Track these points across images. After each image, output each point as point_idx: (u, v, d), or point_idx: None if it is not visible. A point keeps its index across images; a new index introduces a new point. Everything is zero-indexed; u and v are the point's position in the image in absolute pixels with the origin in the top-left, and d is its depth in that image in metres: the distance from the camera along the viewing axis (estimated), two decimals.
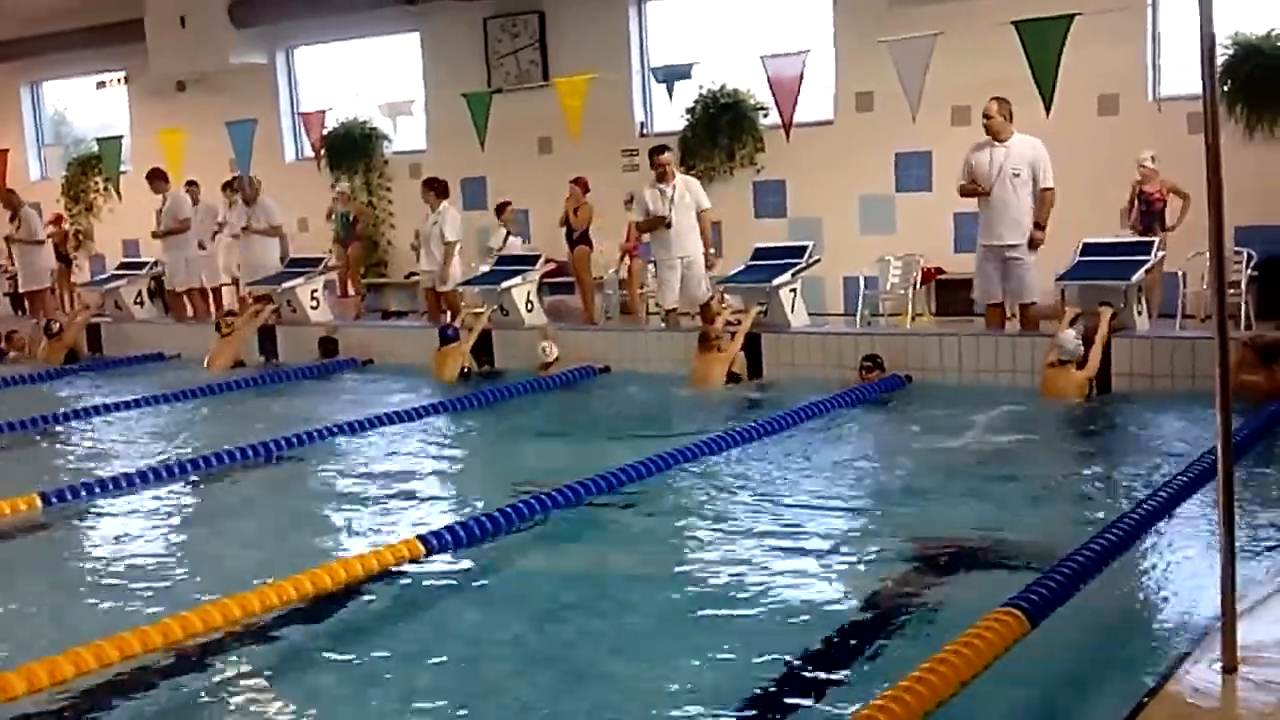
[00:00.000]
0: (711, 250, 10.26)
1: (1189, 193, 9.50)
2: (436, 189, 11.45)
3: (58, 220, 16.54)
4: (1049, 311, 8.84)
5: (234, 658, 4.21)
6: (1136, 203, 9.94)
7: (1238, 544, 3.38)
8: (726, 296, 10.21)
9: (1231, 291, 9.33)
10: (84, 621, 4.60)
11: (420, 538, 5.21)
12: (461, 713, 3.72)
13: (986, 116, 8.59)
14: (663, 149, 10.19)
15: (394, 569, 4.95)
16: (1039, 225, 8.59)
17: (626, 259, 12.29)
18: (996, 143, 8.60)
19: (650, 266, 11.76)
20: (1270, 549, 4.64)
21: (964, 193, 8.90)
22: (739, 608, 4.40)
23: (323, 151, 14.32)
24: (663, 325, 10.56)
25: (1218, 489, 3.26)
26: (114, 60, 16.80)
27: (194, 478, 6.93)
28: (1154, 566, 4.72)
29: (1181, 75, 10.53)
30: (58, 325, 12.69)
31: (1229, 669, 3.18)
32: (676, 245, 10.00)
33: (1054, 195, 8.60)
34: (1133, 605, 4.33)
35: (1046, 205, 8.60)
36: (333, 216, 14.42)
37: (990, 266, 8.79)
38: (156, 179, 13.26)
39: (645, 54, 13.47)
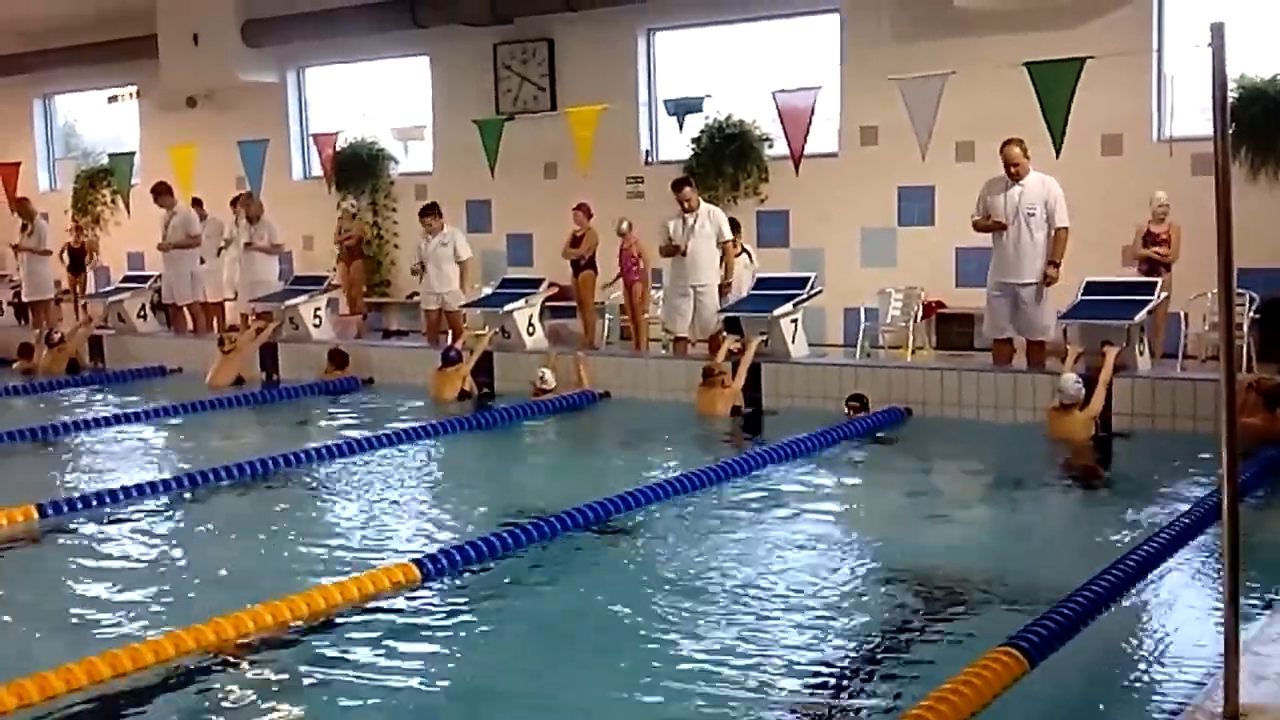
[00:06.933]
0: (740, 284, 10.26)
1: (1179, 225, 9.63)
2: (439, 212, 11.60)
3: (78, 229, 16.52)
4: (1054, 349, 8.83)
5: (223, 679, 4.16)
6: (1143, 242, 9.93)
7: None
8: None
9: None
10: (77, 637, 4.56)
11: (416, 562, 5.19)
12: None
13: (1015, 164, 8.50)
14: (684, 183, 10.22)
15: (388, 593, 4.92)
16: (1054, 263, 8.58)
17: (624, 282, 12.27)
18: (1012, 182, 8.60)
19: (656, 293, 11.78)
20: (1271, 594, 4.61)
21: (979, 228, 8.90)
22: (728, 644, 4.35)
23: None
24: (664, 352, 10.54)
25: (1223, 532, 3.23)
26: (126, 75, 16.89)
27: (189, 494, 6.90)
28: (1155, 609, 4.70)
29: (1185, 117, 10.58)
30: (59, 335, 12.69)
31: (1231, 716, 3.15)
32: (691, 274, 10.04)
33: (1068, 234, 8.59)
34: (1133, 649, 4.29)
35: (1060, 243, 8.57)
36: (342, 234, 14.42)
37: (1003, 303, 8.78)
38: (162, 193, 13.31)
39: (653, 83, 13.53)
